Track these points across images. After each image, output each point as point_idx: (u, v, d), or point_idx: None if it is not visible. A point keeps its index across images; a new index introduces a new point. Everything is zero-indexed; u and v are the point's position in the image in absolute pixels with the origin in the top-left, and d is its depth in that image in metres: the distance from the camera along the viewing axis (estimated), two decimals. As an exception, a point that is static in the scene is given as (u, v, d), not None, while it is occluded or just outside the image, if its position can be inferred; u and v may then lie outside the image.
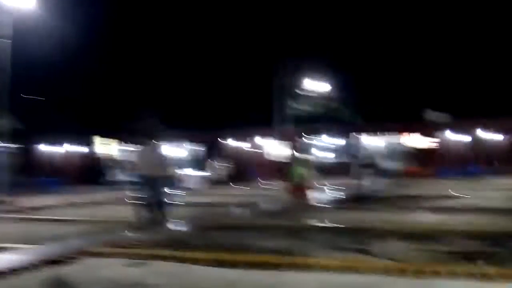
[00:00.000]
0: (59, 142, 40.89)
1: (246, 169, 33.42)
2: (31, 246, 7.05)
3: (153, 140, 9.17)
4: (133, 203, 8.75)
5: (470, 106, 33.88)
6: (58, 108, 39.05)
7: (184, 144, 36.44)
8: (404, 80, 38.92)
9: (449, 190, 17.01)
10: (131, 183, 9.30)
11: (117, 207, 9.60)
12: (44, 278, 5.12)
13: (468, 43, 38.57)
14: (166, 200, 9.04)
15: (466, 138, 32.77)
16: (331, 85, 41.99)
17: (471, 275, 4.71)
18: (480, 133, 32.43)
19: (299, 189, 15.48)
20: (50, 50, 30.87)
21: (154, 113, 9.16)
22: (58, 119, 35.96)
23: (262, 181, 26.90)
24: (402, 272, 4.88)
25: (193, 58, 42.22)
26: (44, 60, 33.22)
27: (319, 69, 40.52)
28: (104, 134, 36.78)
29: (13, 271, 5.40)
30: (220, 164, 31.70)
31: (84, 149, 39.51)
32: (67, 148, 41.44)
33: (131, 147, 38.07)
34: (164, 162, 9.15)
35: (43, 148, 41.99)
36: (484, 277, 4.65)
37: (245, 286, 4.62)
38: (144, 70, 42.62)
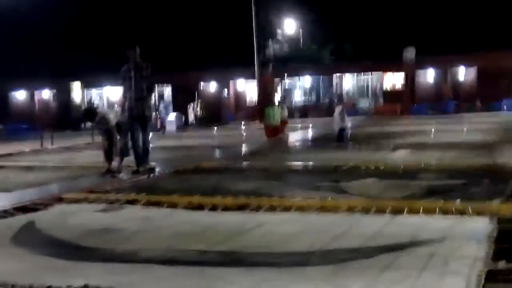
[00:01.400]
0: (34, 88, 39.79)
1: (223, 111, 33.26)
2: (3, 192, 6.94)
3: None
4: (106, 148, 8.55)
5: (448, 43, 33.82)
6: (32, 54, 37.95)
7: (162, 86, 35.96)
8: (379, 18, 38.51)
9: (422, 127, 17.17)
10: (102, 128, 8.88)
11: (93, 152, 9.46)
12: (15, 224, 5.02)
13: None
14: (141, 145, 8.83)
15: (443, 76, 32.76)
16: (306, 24, 41.55)
17: (447, 211, 4.74)
18: (460, 70, 32.44)
19: (275, 130, 15.45)
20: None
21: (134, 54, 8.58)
22: (33, 65, 34.96)
23: (239, 122, 26.81)
24: (380, 210, 4.88)
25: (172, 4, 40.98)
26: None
27: (294, 9, 39.90)
28: (82, 80, 36.02)
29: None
30: (198, 106, 31.44)
31: (62, 95, 38.63)
32: (43, 94, 40.39)
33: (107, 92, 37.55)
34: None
35: (17, 94, 40.85)
36: (460, 212, 4.68)
37: (224, 229, 4.58)
38: (120, 12, 41.28)
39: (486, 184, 6.12)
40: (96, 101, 38.88)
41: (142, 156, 8.62)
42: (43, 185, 7.63)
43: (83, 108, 33.32)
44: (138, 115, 8.53)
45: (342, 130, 13.45)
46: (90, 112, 8.35)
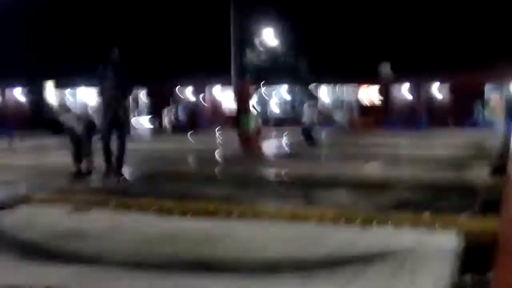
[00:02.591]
0: (6, 86, 39.04)
1: (199, 119, 33.12)
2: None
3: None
4: (74, 150, 8.42)
5: (424, 60, 34.19)
6: (6, 51, 37.17)
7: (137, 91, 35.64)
8: (357, 33, 38.79)
9: (395, 141, 17.35)
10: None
11: (64, 153, 9.35)
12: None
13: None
14: (116, 147, 8.68)
15: (417, 92, 33.21)
16: (284, 36, 41.70)
17: (416, 224, 4.77)
18: (434, 87, 32.90)
19: (249, 139, 15.43)
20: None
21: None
22: (6, 63, 34.16)
23: (214, 130, 26.74)
24: (350, 221, 4.89)
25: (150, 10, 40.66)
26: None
27: (273, 19, 40.02)
28: (55, 80, 35.49)
29: None
30: (173, 112, 31.27)
31: (36, 95, 37.94)
32: (16, 92, 39.64)
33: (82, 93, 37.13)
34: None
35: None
36: (429, 226, 4.72)
37: (193, 235, 4.54)
38: (96, 15, 40.76)
39: (454, 198, 6.20)
40: (68, 101, 38.38)
41: (117, 158, 8.45)
42: (10, 184, 7.48)
43: (54, 108, 32.82)
44: (112, 117, 8.40)
45: (309, 128, 13.43)
46: (55, 123, 8.20)
